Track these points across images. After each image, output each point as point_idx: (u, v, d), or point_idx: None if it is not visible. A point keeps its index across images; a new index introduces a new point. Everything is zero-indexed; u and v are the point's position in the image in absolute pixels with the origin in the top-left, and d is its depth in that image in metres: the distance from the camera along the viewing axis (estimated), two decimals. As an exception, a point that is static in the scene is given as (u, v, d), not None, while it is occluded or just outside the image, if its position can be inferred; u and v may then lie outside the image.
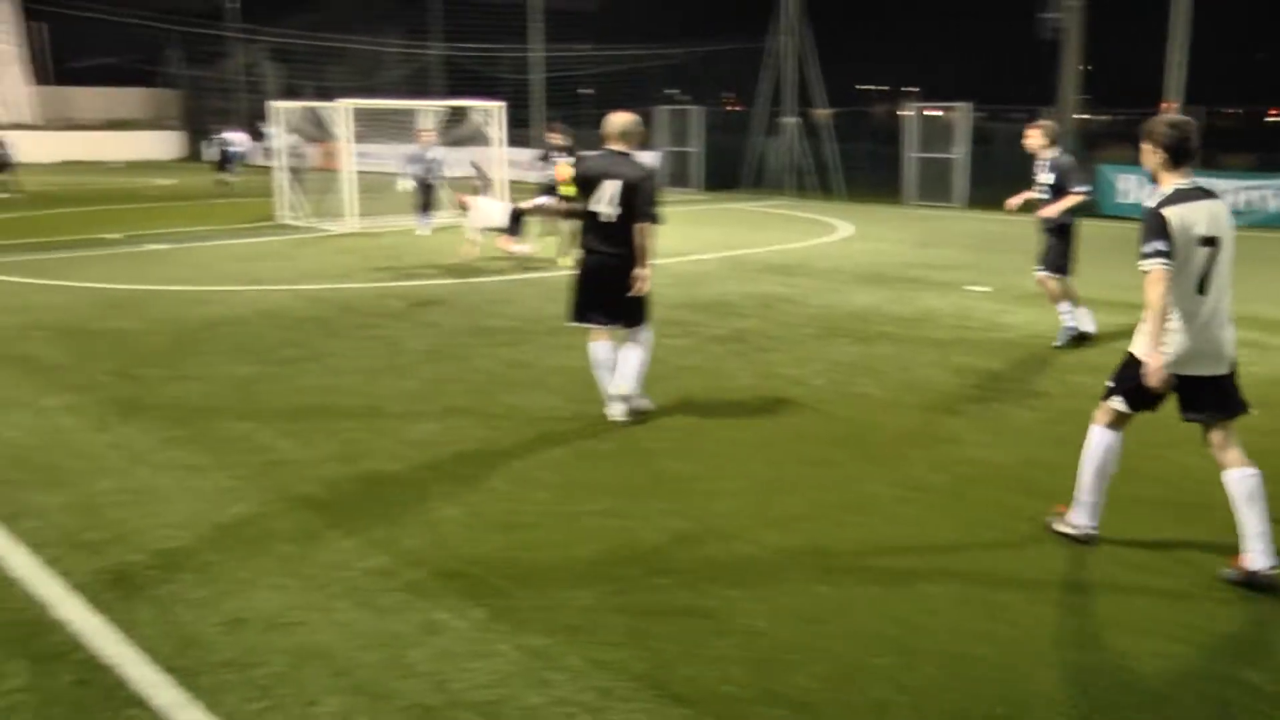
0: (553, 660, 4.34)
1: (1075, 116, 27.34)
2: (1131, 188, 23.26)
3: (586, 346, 7.85)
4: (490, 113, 22.73)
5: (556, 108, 41.17)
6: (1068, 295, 10.39)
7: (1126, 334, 5.99)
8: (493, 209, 16.03)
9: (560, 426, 7.68)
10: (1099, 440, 5.43)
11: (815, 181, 30.41)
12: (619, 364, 7.71)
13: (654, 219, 7.45)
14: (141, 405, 8.25)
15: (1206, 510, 5.79)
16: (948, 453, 7.10)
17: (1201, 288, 5.08)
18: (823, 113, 31.38)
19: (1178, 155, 5.15)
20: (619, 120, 7.56)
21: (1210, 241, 5.04)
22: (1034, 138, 10.26)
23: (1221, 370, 5.18)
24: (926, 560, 5.36)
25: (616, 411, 7.71)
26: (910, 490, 6.36)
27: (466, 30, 48.58)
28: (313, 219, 21.95)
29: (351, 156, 21.48)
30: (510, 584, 5.04)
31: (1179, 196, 5.08)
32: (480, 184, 17.78)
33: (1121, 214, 21.98)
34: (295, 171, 23.34)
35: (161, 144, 55.32)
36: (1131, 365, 5.23)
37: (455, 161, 21.21)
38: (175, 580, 5.09)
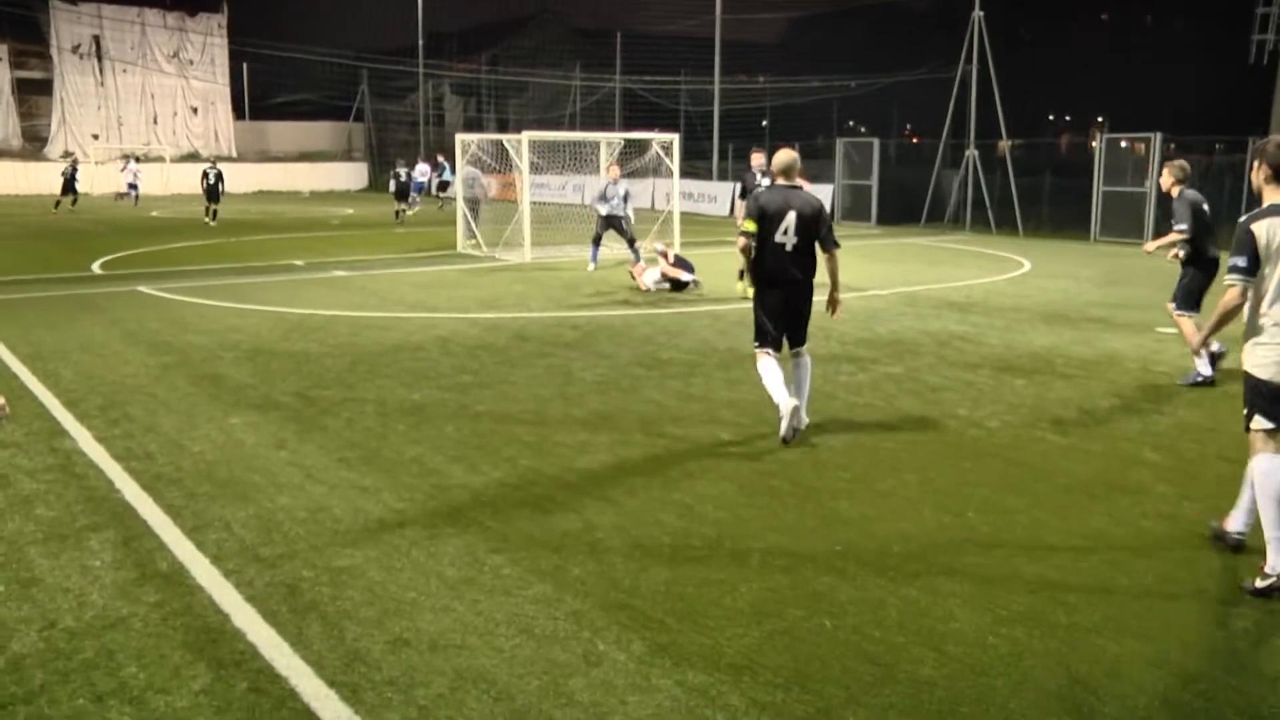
0: (713, 699, 4.25)
1: None
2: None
3: (758, 362, 8.20)
4: (666, 144, 22.89)
5: (734, 139, 41.32)
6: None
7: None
8: (654, 277, 17.30)
9: (728, 461, 7.61)
10: (1260, 467, 5.42)
11: (996, 216, 29.64)
12: (798, 389, 8.23)
13: (838, 245, 8.28)
14: (318, 425, 8.52)
15: None
16: (1132, 504, 6.73)
17: None
18: (1004, 144, 30.64)
19: None
20: (785, 157, 8.29)
21: None
22: (1164, 178, 10.19)
23: None
24: (1107, 617, 5.06)
25: (794, 421, 7.98)
26: (1090, 542, 6.06)
27: (646, 64, 49.29)
28: (490, 249, 22.45)
29: (528, 188, 21.89)
30: (673, 618, 4.98)
31: (1273, 210, 5.37)
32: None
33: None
34: (473, 202, 23.89)
35: (348, 174, 57.88)
36: (1250, 383, 5.44)
37: (636, 193, 21.42)
38: (344, 598, 5.20)
